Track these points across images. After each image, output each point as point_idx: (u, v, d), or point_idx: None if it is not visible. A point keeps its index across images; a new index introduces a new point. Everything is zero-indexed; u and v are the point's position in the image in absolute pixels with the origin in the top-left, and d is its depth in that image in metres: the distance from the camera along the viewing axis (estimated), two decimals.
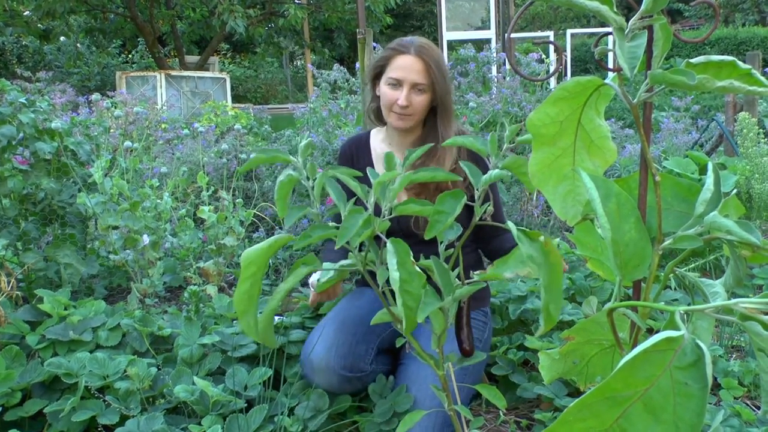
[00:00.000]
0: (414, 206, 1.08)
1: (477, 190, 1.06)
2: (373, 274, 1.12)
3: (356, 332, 1.62)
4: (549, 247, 0.98)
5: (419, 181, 1.11)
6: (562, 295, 1.05)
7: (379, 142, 1.84)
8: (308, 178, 1.10)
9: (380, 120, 1.82)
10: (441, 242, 1.10)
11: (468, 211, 1.49)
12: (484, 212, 1.07)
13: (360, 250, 1.12)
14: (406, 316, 1.00)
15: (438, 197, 1.05)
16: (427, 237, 1.05)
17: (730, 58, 0.74)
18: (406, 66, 1.66)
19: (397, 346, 1.21)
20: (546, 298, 0.97)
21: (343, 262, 1.15)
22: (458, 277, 1.11)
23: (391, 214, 1.07)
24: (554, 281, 0.98)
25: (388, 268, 1.01)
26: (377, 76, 1.75)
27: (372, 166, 1.81)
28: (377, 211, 1.07)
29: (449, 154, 1.71)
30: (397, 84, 1.67)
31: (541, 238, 0.98)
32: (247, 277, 1.07)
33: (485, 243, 1.81)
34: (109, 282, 2.66)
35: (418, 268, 1.02)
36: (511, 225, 0.99)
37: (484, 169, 1.08)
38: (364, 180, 1.11)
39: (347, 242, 1.04)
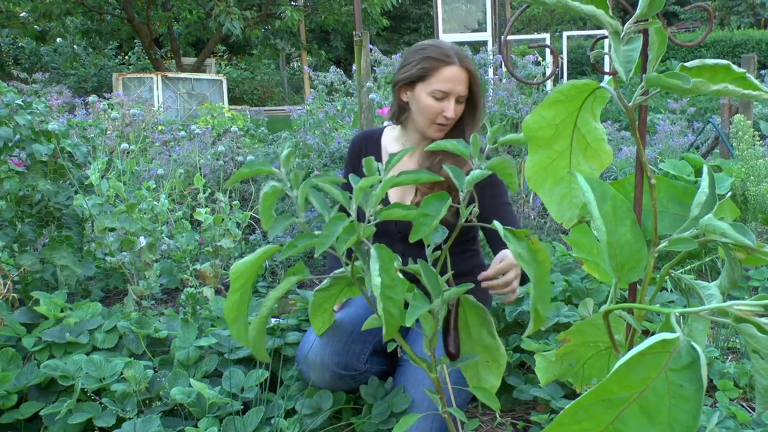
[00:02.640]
0: (398, 210, 1.07)
1: (462, 192, 1.05)
2: (363, 280, 1.12)
3: (353, 331, 1.62)
4: (536, 245, 0.99)
5: (402, 184, 1.11)
6: (552, 295, 1.04)
7: (391, 140, 1.81)
8: (292, 188, 1.09)
9: (398, 121, 1.78)
10: (428, 245, 1.10)
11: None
12: (470, 213, 1.06)
13: (349, 257, 1.12)
14: (386, 322, 0.99)
15: (423, 200, 1.05)
16: (411, 240, 1.04)
17: (725, 61, 0.75)
18: (453, 78, 1.63)
19: (389, 350, 1.21)
20: (534, 295, 0.97)
21: (337, 271, 1.14)
22: (448, 281, 1.11)
23: (375, 219, 1.06)
24: (542, 279, 0.98)
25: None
26: (412, 83, 1.68)
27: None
28: (362, 216, 1.07)
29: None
30: (443, 96, 1.64)
31: (529, 236, 0.99)
32: (237, 289, 1.08)
33: (497, 246, 1.73)
34: (105, 284, 2.66)
35: (401, 275, 1.02)
36: (497, 225, 0.99)
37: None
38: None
39: (332, 248, 1.04)
